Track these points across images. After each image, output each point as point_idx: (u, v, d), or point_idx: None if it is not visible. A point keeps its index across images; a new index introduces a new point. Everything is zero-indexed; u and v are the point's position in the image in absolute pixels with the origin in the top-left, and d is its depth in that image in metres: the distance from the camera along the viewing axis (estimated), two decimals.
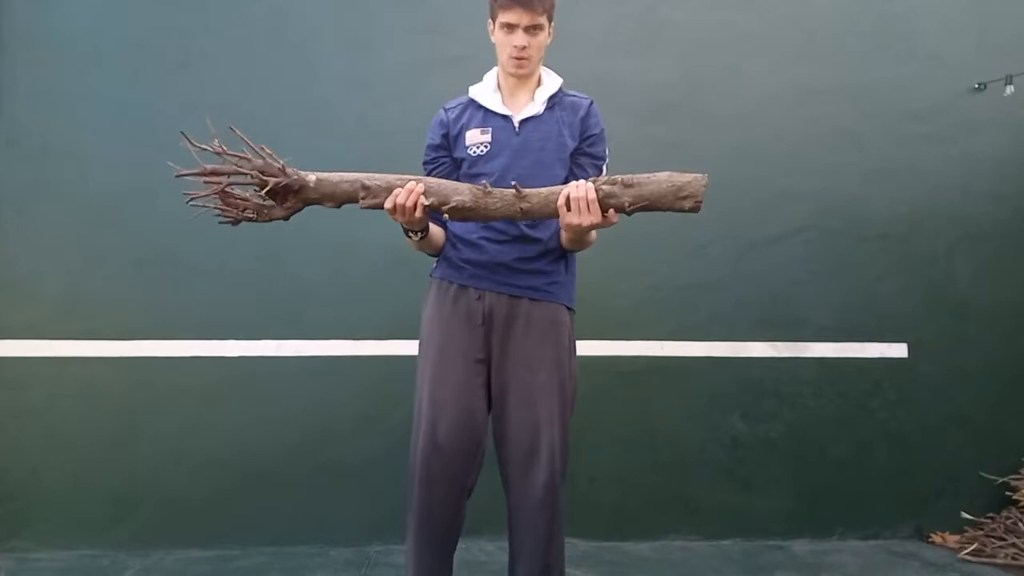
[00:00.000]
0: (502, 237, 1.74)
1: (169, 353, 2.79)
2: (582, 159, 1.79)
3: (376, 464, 2.75)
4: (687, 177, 1.51)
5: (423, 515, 1.72)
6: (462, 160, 1.79)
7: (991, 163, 3.16)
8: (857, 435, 3.02)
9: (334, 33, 2.96)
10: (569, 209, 1.53)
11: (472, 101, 1.82)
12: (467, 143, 1.78)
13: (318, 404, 2.82)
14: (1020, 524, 2.85)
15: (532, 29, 1.70)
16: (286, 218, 1.58)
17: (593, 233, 1.67)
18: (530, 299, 1.75)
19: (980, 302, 3.11)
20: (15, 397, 2.73)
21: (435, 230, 1.75)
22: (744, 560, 2.72)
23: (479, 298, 1.75)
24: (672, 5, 3.11)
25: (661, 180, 1.52)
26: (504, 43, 1.72)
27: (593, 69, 2.93)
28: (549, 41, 1.77)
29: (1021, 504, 2.91)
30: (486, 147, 1.76)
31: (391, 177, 1.57)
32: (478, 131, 1.77)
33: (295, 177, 1.53)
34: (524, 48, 1.70)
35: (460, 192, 1.56)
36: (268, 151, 1.52)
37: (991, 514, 2.98)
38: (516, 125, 1.77)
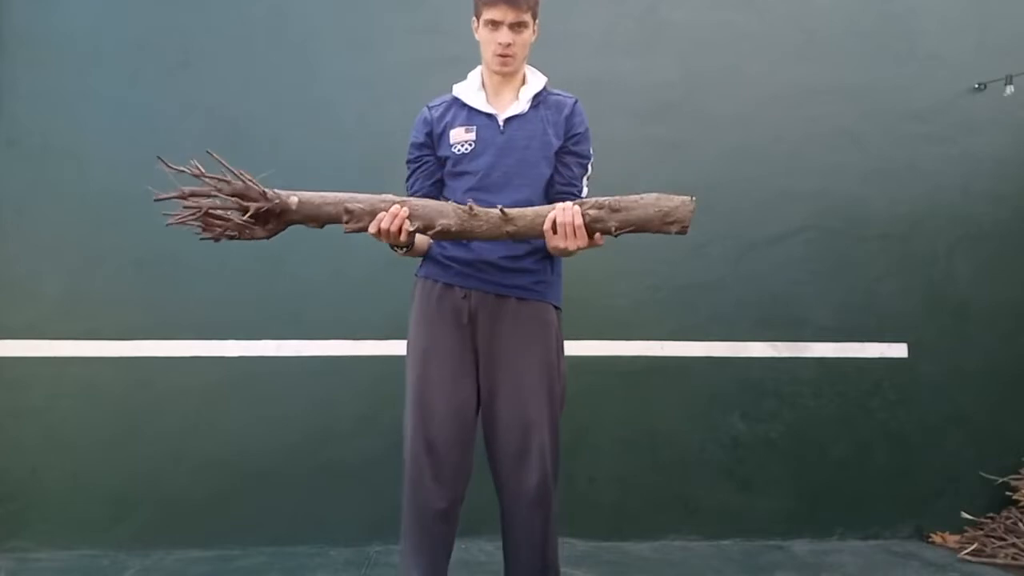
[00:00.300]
0: None
1: (169, 353, 2.79)
2: (567, 157, 1.78)
3: (376, 464, 2.75)
4: (675, 201, 1.49)
5: (416, 516, 1.71)
6: (446, 159, 1.78)
7: (991, 163, 3.16)
8: (857, 435, 3.02)
9: (334, 33, 2.96)
10: (555, 233, 1.52)
11: (456, 99, 1.80)
12: (451, 141, 1.76)
13: (318, 404, 2.82)
14: (1020, 524, 2.85)
15: (517, 26, 1.69)
16: (267, 238, 1.55)
17: None
18: (517, 298, 1.74)
19: (980, 302, 3.11)
20: (15, 397, 2.73)
21: (420, 238, 1.73)
22: (744, 560, 2.71)
23: (465, 297, 1.74)
24: (672, 5, 3.11)
25: (648, 204, 1.49)
26: (488, 40, 1.71)
27: (593, 69, 2.94)
28: (534, 39, 1.76)
29: (1021, 504, 2.91)
30: (471, 145, 1.75)
31: (374, 199, 1.53)
32: (462, 129, 1.76)
33: (276, 201, 1.49)
34: (509, 45, 1.69)
35: (445, 215, 1.53)
36: (248, 176, 1.48)
37: (991, 514, 2.98)
38: (501, 124, 1.76)
